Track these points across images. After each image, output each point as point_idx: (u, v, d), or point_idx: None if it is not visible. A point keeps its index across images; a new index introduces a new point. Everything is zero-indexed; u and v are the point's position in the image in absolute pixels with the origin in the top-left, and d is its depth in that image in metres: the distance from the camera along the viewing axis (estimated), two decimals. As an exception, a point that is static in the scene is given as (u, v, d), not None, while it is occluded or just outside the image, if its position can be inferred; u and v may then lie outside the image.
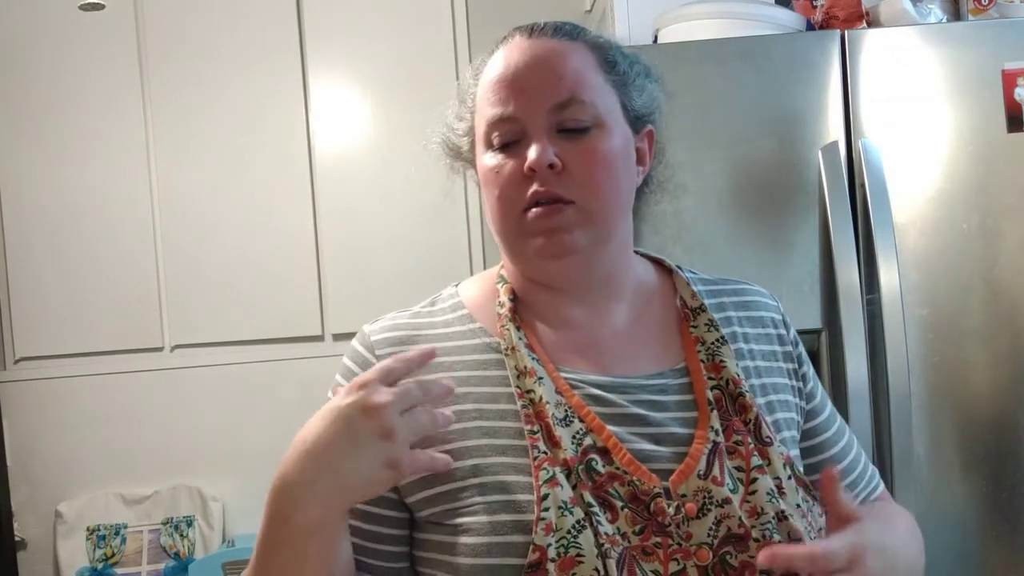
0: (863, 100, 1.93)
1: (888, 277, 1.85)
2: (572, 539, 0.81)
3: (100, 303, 2.87)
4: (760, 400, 0.95)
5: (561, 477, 0.84)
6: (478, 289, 1.02)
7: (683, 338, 0.98)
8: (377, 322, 1.00)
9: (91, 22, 2.84)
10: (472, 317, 0.98)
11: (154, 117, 2.88)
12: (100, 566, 2.75)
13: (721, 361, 0.95)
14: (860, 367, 1.84)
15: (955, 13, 2.16)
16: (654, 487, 0.85)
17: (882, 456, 1.86)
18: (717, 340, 0.97)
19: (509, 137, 0.93)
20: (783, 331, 1.03)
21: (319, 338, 2.91)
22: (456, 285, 1.04)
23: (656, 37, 2.18)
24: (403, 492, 0.91)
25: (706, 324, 0.98)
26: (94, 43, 2.86)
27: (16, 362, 2.89)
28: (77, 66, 2.86)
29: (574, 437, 0.87)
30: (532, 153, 0.90)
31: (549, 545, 0.81)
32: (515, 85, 0.93)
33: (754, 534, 0.84)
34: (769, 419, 0.94)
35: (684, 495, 0.86)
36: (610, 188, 0.93)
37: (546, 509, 0.82)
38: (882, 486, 1.11)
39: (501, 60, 0.95)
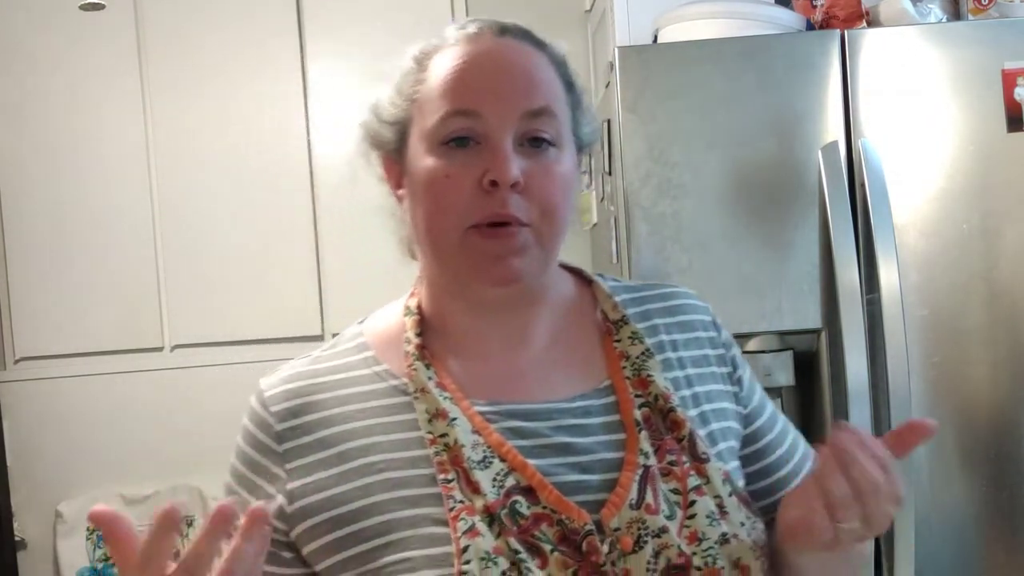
0: (863, 100, 1.93)
1: (888, 277, 1.85)
2: None
3: (100, 303, 2.87)
4: (693, 412, 0.88)
5: (482, 526, 0.77)
6: (384, 325, 0.93)
7: (606, 354, 0.91)
8: (274, 374, 0.91)
9: (91, 22, 2.83)
10: (377, 359, 0.89)
11: (154, 117, 2.89)
12: (100, 566, 2.75)
13: (648, 376, 0.88)
14: (860, 367, 1.84)
15: (955, 13, 2.16)
16: (584, 524, 0.79)
17: (882, 456, 1.86)
18: (642, 353, 0.89)
19: (464, 135, 0.83)
20: (714, 333, 0.96)
21: (319, 338, 2.90)
22: (361, 322, 0.96)
23: (656, 37, 2.18)
24: (311, 560, 0.84)
25: (630, 337, 0.91)
26: (94, 43, 2.86)
27: (16, 362, 2.89)
28: (77, 66, 2.86)
29: (495, 479, 0.80)
30: (499, 165, 0.81)
31: None
32: (485, 81, 0.84)
33: (696, 562, 0.79)
34: (704, 431, 0.88)
35: (617, 529, 0.79)
36: (564, 214, 0.85)
37: (467, 562, 0.76)
38: None
39: (466, 52, 0.86)
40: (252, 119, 2.88)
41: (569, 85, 0.89)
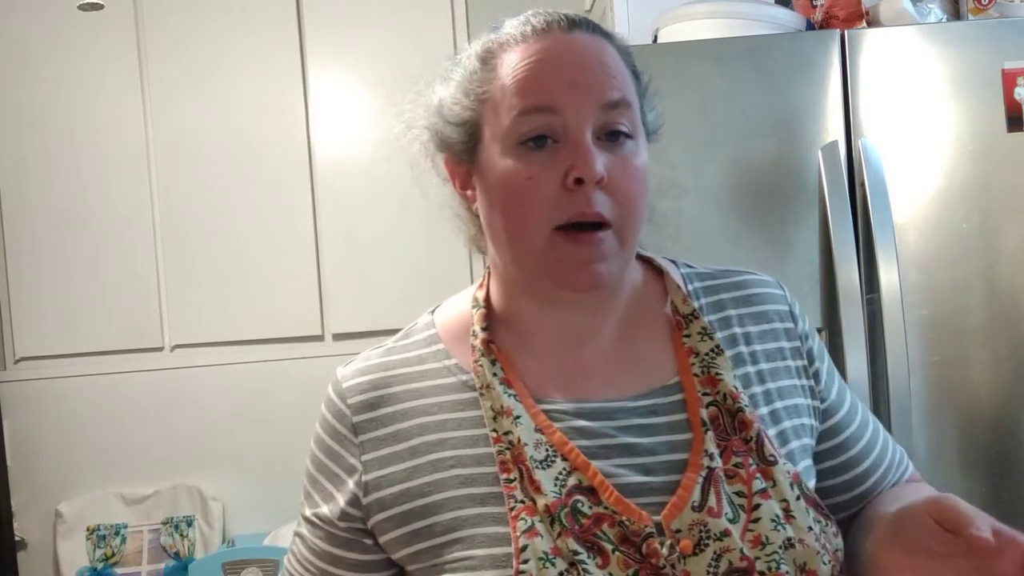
0: (863, 100, 1.93)
1: (888, 277, 1.85)
2: None
3: (100, 303, 2.87)
4: (764, 410, 0.87)
5: (541, 526, 0.78)
6: (454, 316, 0.93)
7: (676, 349, 0.89)
8: (350, 364, 0.92)
9: (91, 22, 2.84)
10: (448, 352, 0.89)
11: (153, 117, 2.88)
12: (100, 566, 2.75)
13: (717, 374, 0.86)
14: (860, 367, 1.84)
15: (955, 13, 2.16)
16: (645, 526, 0.78)
17: (882, 456, 1.87)
18: (712, 350, 0.87)
19: (542, 133, 0.81)
20: (790, 324, 0.93)
21: (319, 338, 2.91)
22: (432, 312, 0.95)
23: (656, 37, 2.18)
24: (388, 549, 0.87)
25: (699, 332, 0.88)
26: (94, 43, 2.86)
27: (16, 362, 2.89)
28: (77, 66, 2.86)
29: (556, 479, 0.80)
30: (583, 161, 0.79)
31: None
32: (561, 76, 0.81)
33: (759, 567, 0.77)
34: (775, 430, 0.86)
35: (678, 531, 0.78)
36: (643, 209, 0.84)
37: (525, 561, 0.76)
38: (911, 467, 1.02)
39: (539, 48, 0.83)
40: (252, 119, 2.88)
41: (635, 74, 0.88)
